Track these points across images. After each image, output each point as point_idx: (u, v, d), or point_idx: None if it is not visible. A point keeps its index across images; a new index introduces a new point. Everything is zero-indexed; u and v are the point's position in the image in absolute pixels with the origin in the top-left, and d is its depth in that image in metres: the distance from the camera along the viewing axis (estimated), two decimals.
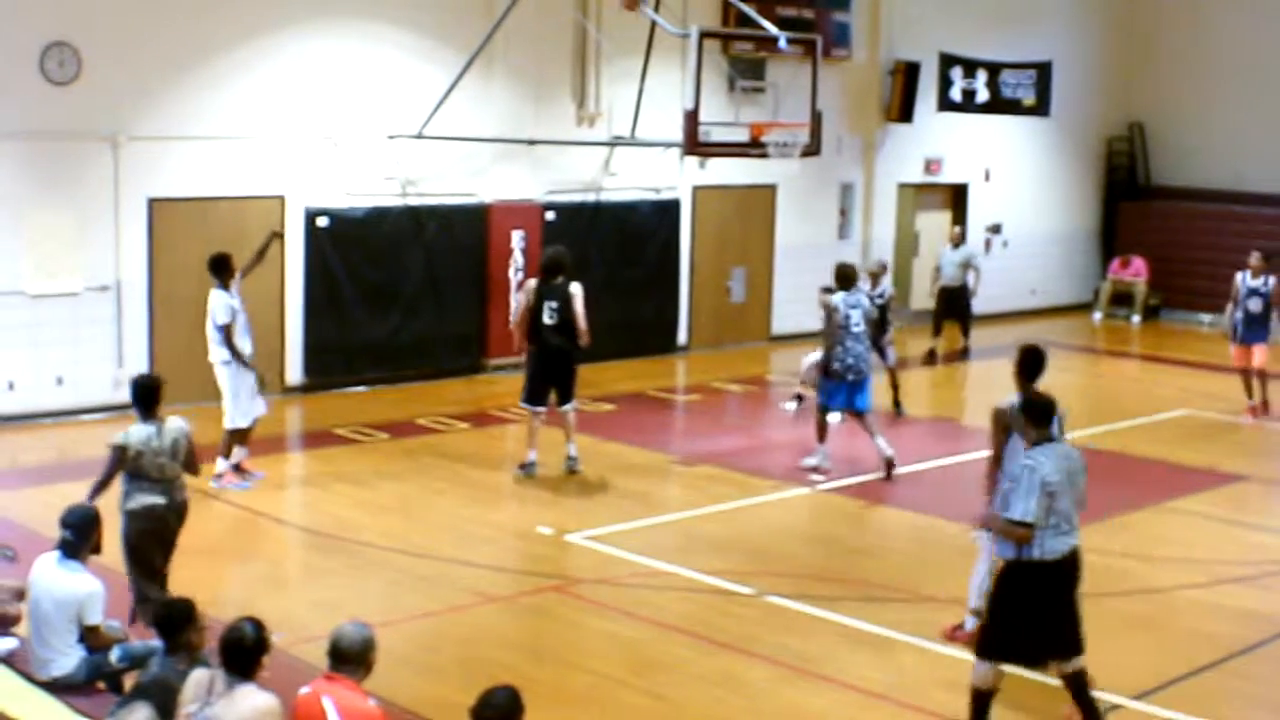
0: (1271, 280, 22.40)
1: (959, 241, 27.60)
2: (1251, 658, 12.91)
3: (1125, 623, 13.60)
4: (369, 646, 8.12)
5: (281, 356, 22.33)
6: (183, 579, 13.13)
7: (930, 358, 26.84)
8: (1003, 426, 12.09)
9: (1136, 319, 33.20)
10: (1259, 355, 22.37)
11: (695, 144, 20.59)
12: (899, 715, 11.38)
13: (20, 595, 10.80)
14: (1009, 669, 10.74)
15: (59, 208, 20.17)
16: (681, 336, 27.29)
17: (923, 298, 29.91)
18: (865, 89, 29.84)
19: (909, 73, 29.98)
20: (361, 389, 22.97)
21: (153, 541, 11.86)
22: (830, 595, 13.91)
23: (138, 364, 20.92)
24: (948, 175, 31.97)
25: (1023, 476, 10.32)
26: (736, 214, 27.96)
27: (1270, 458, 20.75)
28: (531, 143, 24.09)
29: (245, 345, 17.49)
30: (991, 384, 23.35)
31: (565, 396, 18.42)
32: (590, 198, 25.60)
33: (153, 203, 20.98)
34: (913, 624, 13.16)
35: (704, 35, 20.54)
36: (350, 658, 8.07)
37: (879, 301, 21.54)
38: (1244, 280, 22.49)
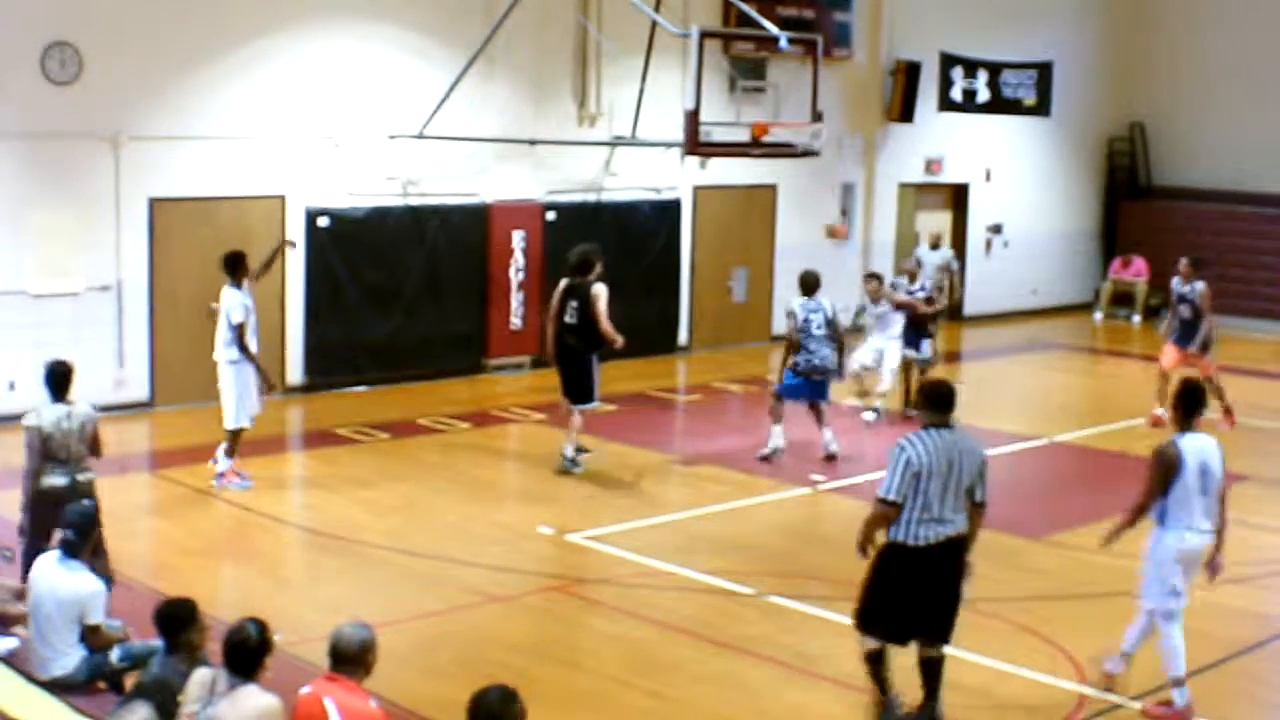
0: (1199, 286, 22.17)
1: (936, 243, 27.47)
2: (1252, 657, 12.92)
3: (1125, 622, 13.57)
4: (367, 647, 8.11)
5: (282, 356, 22.33)
6: (183, 579, 13.17)
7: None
8: (1166, 467, 11.61)
9: (1137, 319, 33.19)
10: (1188, 361, 21.58)
11: (696, 144, 20.58)
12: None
13: (20, 595, 10.81)
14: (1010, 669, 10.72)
15: (60, 207, 20.18)
16: (682, 336, 27.30)
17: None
18: (866, 89, 29.85)
19: (910, 73, 29.99)
20: (363, 389, 22.98)
21: (51, 520, 11.64)
22: (831, 595, 13.89)
23: (139, 364, 20.97)
24: (948, 175, 31.98)
25: (892, 456, 10.56)
26: (737, 214, 27.97)
27: (1270, 458, 20.72)
28: (532, 143, 24.09)
29: (252, 345, 17.44)
30: (988, 384, 23.40)
31: (572, 397, 18.49)
32: (591, 198, 25.60)
33: (154, 202, 20.99)
34: None
35: (705, 35, 20.54)
36: (349, 658, 8.07)
37: (920, 296, 22.15)
38: (1176, 286, 22.31)
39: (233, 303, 17.27)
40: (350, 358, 23.03)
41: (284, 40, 21.94)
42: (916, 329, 21.91)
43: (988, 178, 32.75)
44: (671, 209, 26.78)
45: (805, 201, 28.88)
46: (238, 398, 17.27)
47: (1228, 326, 31.73)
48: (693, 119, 20.06)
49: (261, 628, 8.22)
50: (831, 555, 15.40)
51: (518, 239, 24.45)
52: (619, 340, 18.37)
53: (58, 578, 10.06)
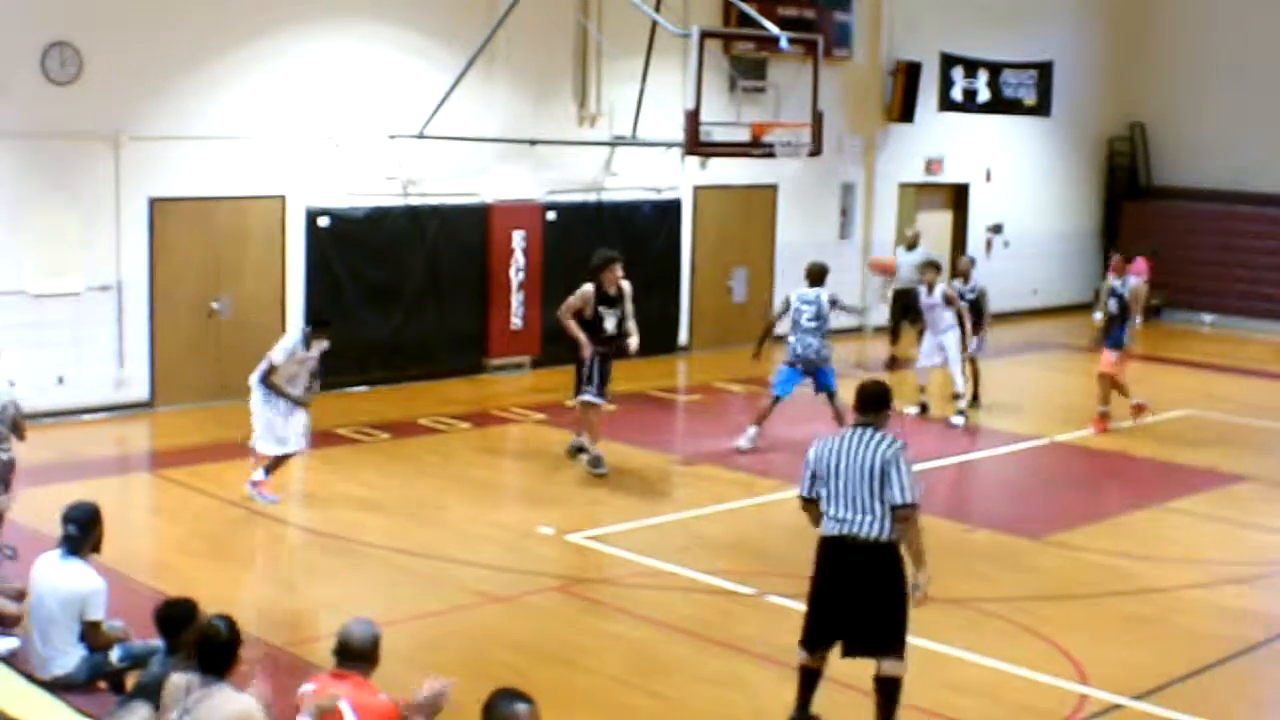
0: (1132, 280, 22.07)
1: (914, 243, 27.41)
2: (1252, 658, 12.91)
3: (1126, 623, 13.61)
4: (377, 644, 8.12)
5: None
6: (184, 579, 13.17)
7: (892, 363, 26.78)
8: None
9: (1138, 319, 33.13)
10: (1106, 361, 21.67)
11: (696, 144, 20.60)
12: (899, 715, 11.36)
13: (20, 595, 10.80)
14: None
15: (60, 207, 20.18)
16: (683, 336, 27.30)
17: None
18: (866, 89, 29.87)
19: (910, 73, 30.00)
20: (363, 389, 22.97)
21: None
22: None
23: (139, 364, 20.97)
24: (949, 175, 31.99)
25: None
26: (738, 214, 27.97)
27: (1271, 458, 20.73)
28: (533, 143, 24.08)
29: (297, 388, 16.81)
30: (988, 383, 23.40)
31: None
32: (591, 198, 25.60)
33: (154, 202, 20.99)
34: (912, 624, 13.12)
35: (705, 35, 20.54)
36: (359, 655, 8.07)
37: (970, 296, 22.49)
38: (1110, 281, 22.24)
39: (285, 344, 16.83)
40: (351, 358, 22.96)
41: (284, 40, 21.94)
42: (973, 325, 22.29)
43: (988, 178, 32.75)
44: (672, 209, 26.78)
45: (806, 202, 28.89)
46: (265, 426, 16.62)
47: (1229, 326, 31.82)
48: (693, 119, 20.07)
49: (230, 624, 8.19)
50: None
51: (518, 239, 24.44)
52: (578, 337, 18.12)
53: (58, 575, 10.05)
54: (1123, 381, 21.54)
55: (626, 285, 18.52)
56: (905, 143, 30.72)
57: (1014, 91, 32.62)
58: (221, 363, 21.70)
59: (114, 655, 10.11)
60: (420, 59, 23.13)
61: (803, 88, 21.25)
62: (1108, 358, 21.67)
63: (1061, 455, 20.43)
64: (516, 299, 24.50)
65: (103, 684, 10.14)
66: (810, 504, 10.55)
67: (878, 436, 10.35)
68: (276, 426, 16.63)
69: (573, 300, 18.17)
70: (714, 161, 26.02)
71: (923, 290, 22.24)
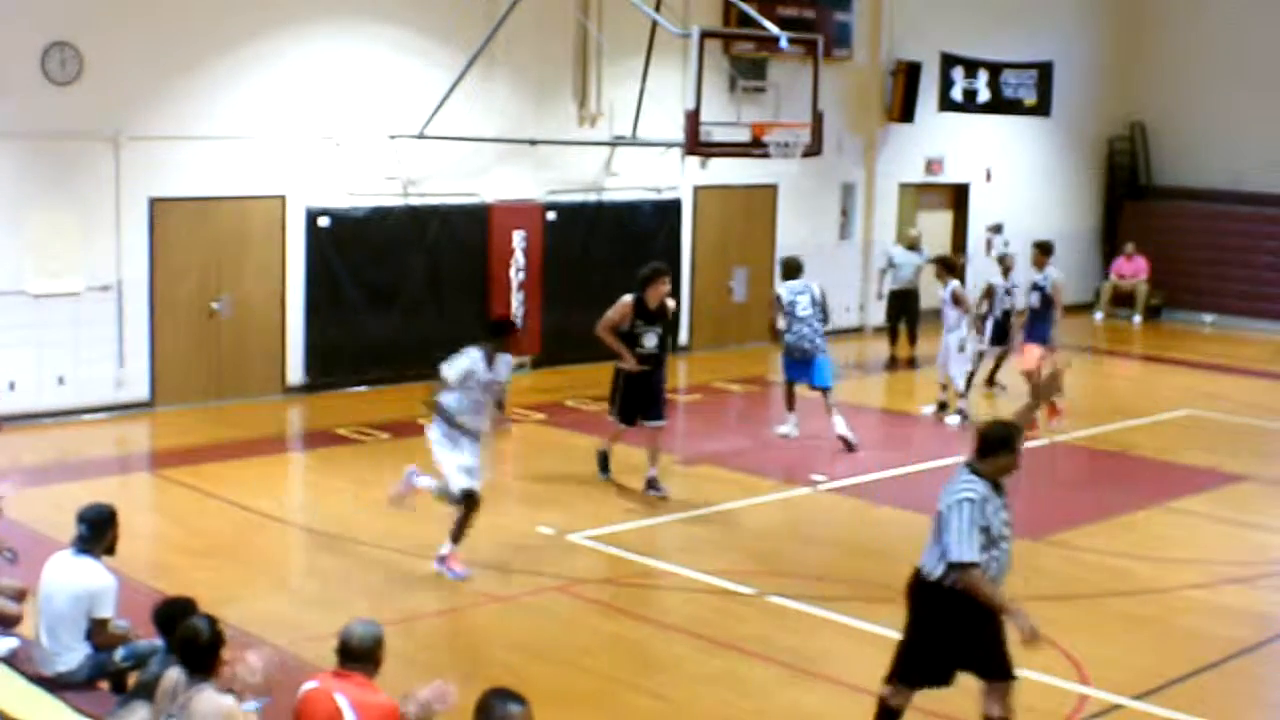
0: (1051, 273, 21.97)
1: (914, 244, 27.37)
2: (1253, 658, 12.91)
3: (1127, 623, 13.61)
4: (380, 644, 8.12)
5: (283, 356, 22.37)
6: (185, 578, 13.16)
7: (891, 364, 26.76)
8: None
9: (1137, 319, 33.18)
10: (1030, 357, 21.48)
11: (696, 144, 20.61)
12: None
13: (21, 595, 10.82)
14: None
15: (60, 208, 20.18)
16: (683, 337, 27.28)
17: (923, 297, 29.97)
18: (866, 89, 29.86)
19: (910, 73, 30.00)
20: (363, 389, 22.98)
21: None
22: (832, 595, 13.91)
23: (139, 364, 20.97)
24: (949, 175, 31.98)
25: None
26: (738, 214, 27.97)
27: (1272, 458, 20.73)
28: (533, 143, 24.08)
29: (473, 419, 14.50)
30: (986, 383, 23.43)
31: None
32: (592, 198, 25.60)
33: (154, 202, 20.99)
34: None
35: (705, 35, 20.55)
36: (361, 655, 8.07)
37: (1011, 292, 22.80)
38: (1031, 274, 22.16)
39: (460, 365, 14.40)
40: (350, 358, 23.02)
41: (284, 40, 21.94)
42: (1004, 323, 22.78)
43: (988, 178, 32.74)
44: (672, 209, 26.77)
45: (806, 202, 28.88)
46: (453, 465, 14.42)
47: (1229, 326, 31.82)
48: (693, 119, 20.08)
49: (212, 624, 8.19)
50: (832, 555, 15.41)
51: (518, 239, 24.44)
52: (620, 352, 17.42)
53: (70, 572, 10.05)
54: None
55: (671, 303, 17.79)
56: (905, 143, 30.71)
57: (1014, 91, 32.61)
58: (222, 363, 21.75)
59: (118, 654, 10.12)
60: (420, 59, 23.12)
61: (803, 88, 21.26)
62: (1031, 353, 21.52)
63: (1061, 455, 20.42)
64: (517, 299, 24.50)
65: (104, 683, 10.15)
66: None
67: (961, 480, 9.77)
68: (463, 462, 14.37)
69: (611, 314, 17.44)
70: (714, 161, 26.00)
71: (940, 287, 22.29)
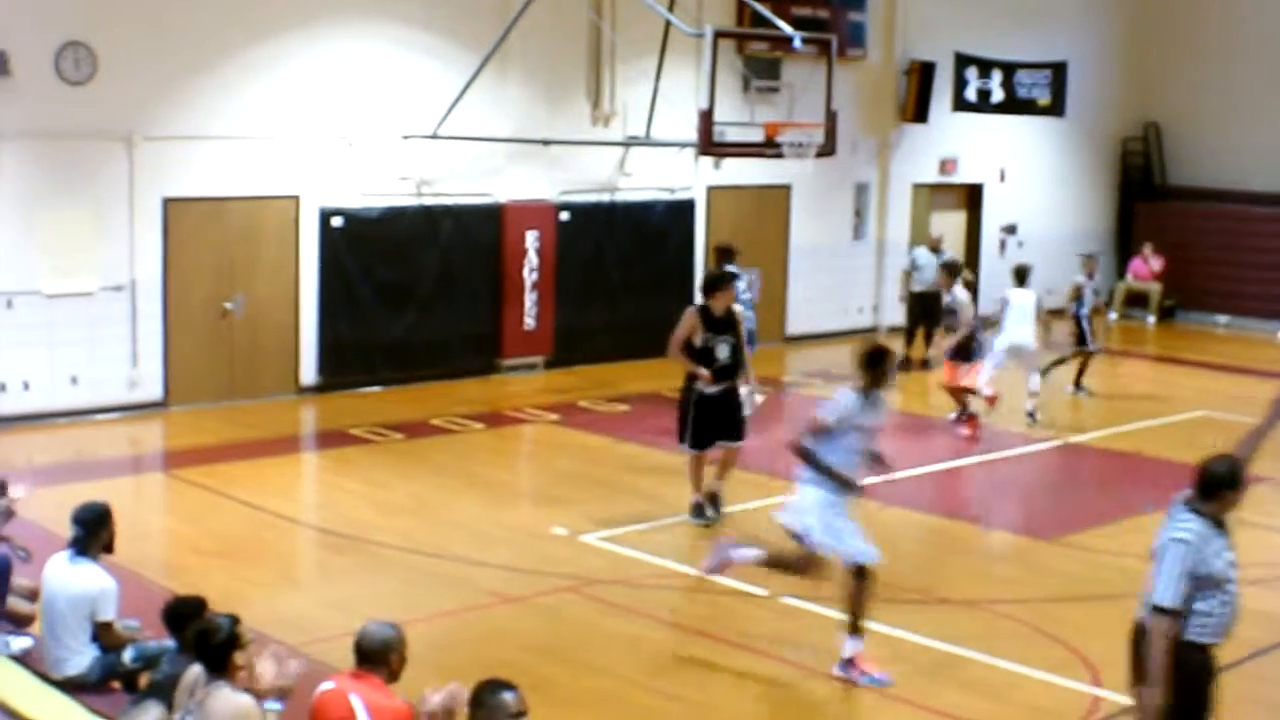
0: (958, 294, 21.58)
1: (937, 246, 27.24)
2: (1267, 660, 12.87)
3: None
4: (389, 646, 8.08)
5: (296, 356, 22.38)
6: (197, 579, 13.17)
7: (906, 365, 26.67)
8: None
9: (1151, 320, 33.13)
10: (958, 374, 21.30)
11: (710, 144, 20.60)
12: (913, 715, 11.36)
13: (33, 594, 10.82)
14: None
15: (74, 207, 20.20)
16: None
17: None
18: (880, 89, 29.82)
19: (924, 73, 29.96)
20: (376, 389, 22.99)
21: None
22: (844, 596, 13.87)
23: (152, 363, 20.99)
24: (963, 175, 31.94)
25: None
26: (751, 214, 27.94)
27: None
28: (546, 143, 24.07)
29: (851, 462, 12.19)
30: (1001, 385, 23.35)
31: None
32: (605, 198, 25.60)
33: (168, 202, 21.01)
34: (926, 625, 13.14)
35: (719, 35, 20.56)
36: (371, 656, 8.06)
37: (1099, 291, 22.33)
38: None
39: (841, 404, 12.12)
40: (364, 358, 23.03)
41: (298, 40, 21.95)
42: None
43: (1002, 178, 32.70)
44: (685, 209, 26.75)
45: (820, 202, 28.85)
46: (824, 525, 12.06)
47: (1243, 327, 31.75)
48: (706, 119, 20.07)
49: (233, 621, 8.18)
50: None
51: (531, 239, 24.44)
52: (695, 371, 15.92)
53: (68, 576, 10.05)
54: (959, 389, 21.39)
55: (738, 309, 16.37)
56: (919, 143, 30.67)
57: (1028, 92, 32.55)
58: (235, 363, 21.76)
59: (127, 655, 10.11)
60: (434, 59, 23.13)
61: (817, 88, 21.24)
62: (961, 368, 21.41)
63: (1076, 456, 20.39)
64: (530, 299, 24.49)
65: (116, 684, 10.15)
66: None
67: (1177, 519, 9.46)
68: (841, 529, 12.09)
69: (678, 331, 15.81)
70: (728, 161, 25.99)
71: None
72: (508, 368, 24.57)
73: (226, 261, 21.67)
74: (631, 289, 25.45)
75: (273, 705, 8.08)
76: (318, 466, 19.73)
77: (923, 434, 21.75)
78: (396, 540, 15.40)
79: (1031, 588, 14.42)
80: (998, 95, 31.98)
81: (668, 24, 22.21)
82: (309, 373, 22.61)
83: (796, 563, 12.21)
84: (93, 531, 10.17)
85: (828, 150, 21.17)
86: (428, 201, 23.52)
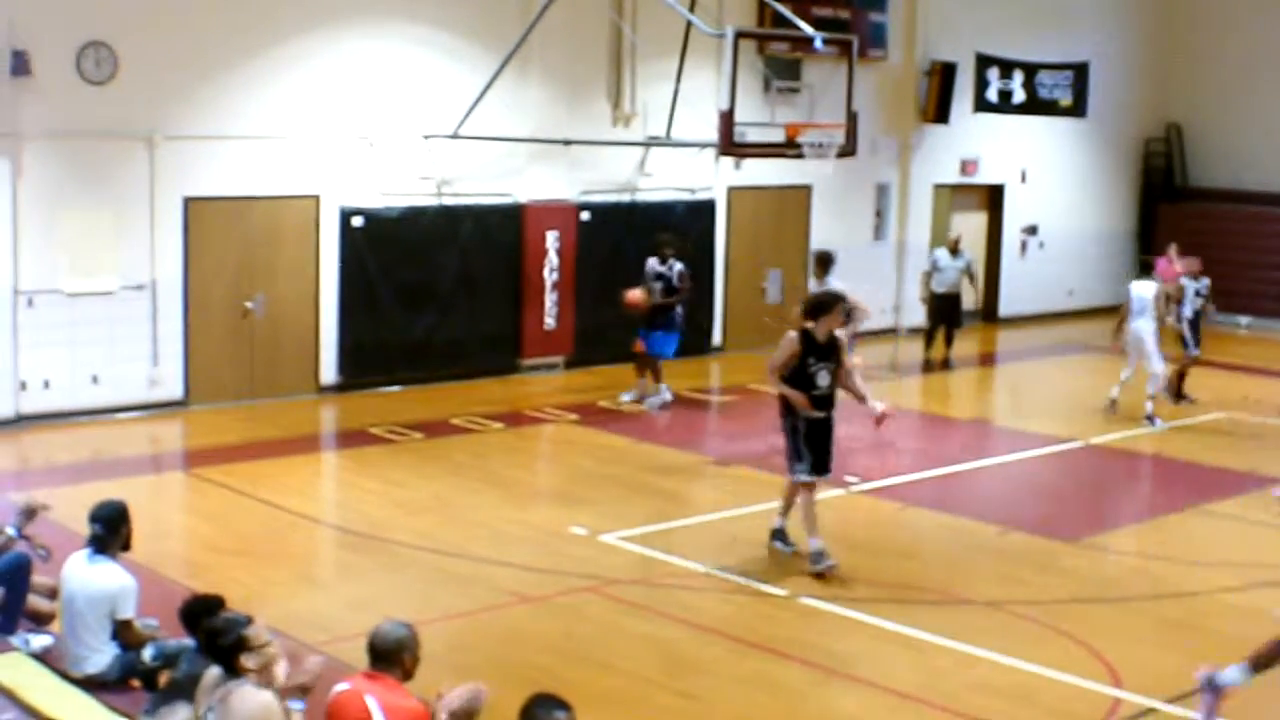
0: (832, 284, 21.11)
1: (956, 247, 27.11)
2: None
3: (1160, 626, 13.54)
4: (403, 645, 8.05)
5: (316, 356, 22.40)
6: (218, 577, 13.18)
7: (926, 367, 26.61)
8: None
9: (1170, 321, 32.94)
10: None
11: (730, 144, 20.59)
12: (932, 717, 11.34)
13: (53, 593, 10.83)
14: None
15: (95, 207, 20.23)
16: (716, 337, 27.25)
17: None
18: (901, 89, 29.79)
19: (945, 73, 29.91)
20: (396, 388, 23.00)
21: None
22: (864, 597, 13.86)
23: (173, 363, 21.02)
24: (984, 176, 31.89)
25: None
26: (772, 215, 27.93)
27: None
28: (567, 143, 24.07)
29: None
30: (1022, 386, 23.37)
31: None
32: (625, 198, 25.59)
33: (188, 202, 21.04)
34: (946, 626, 13.11)
35: (739, 35, 20.52)
36: (385, 655, 8.03)
37: (1203, 293, 23.25)
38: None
39: None
40: (384, 357, 23.04)
41: (319, 40, 21.97)
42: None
43: (1023, 179, 32.65)
44: (706, 209, 26.75)
45: (840, 202, 28.81)
46: None
47: (1266, 328, 31.66)
48: (727, 119, 20.06)
49: (246, 620, 8.17)
50: (865, 557, 15.33)
51: (552, 239, 24.44)
52: (796, 401, 14.61)
53: (86, 574, 10.06)
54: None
55: (841, 334, 15.14)
56: (940, 143, 30.63)
57: (1049, 92, 32.50)
58: (255, 362, 21.79)
59: (146, 654, 10.10)
60: (454, 59, 23.15)
61: (837, 88, 21.22)
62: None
63: (1096, 457, 20.34)
64: (550, 299, 24.50)
65: (135, 682, 10.15)
66: None
67: None
68: None
69: (779, 356, 14.61)
70: (748, 162, 25.96)
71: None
72: (528, 367, 24.58)
73: (247, 261, 21.70)
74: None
75: (295, 704, 8.08)
76: (337, 466, 19.74)
77: (945, 434, 21.73)
78: (416, 539, 15.40)
79: (1052, 589, 14.39)
80: (1019, 96, 31.93)
81: (688, 24, 22.19)
82: (329, 372, 22.63)
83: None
84: (111, 530, 10.17)
85: (848, 151, 21.15)
86: (448, 201, 23.53)
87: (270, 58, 21.54)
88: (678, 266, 21.73)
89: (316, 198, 22.23)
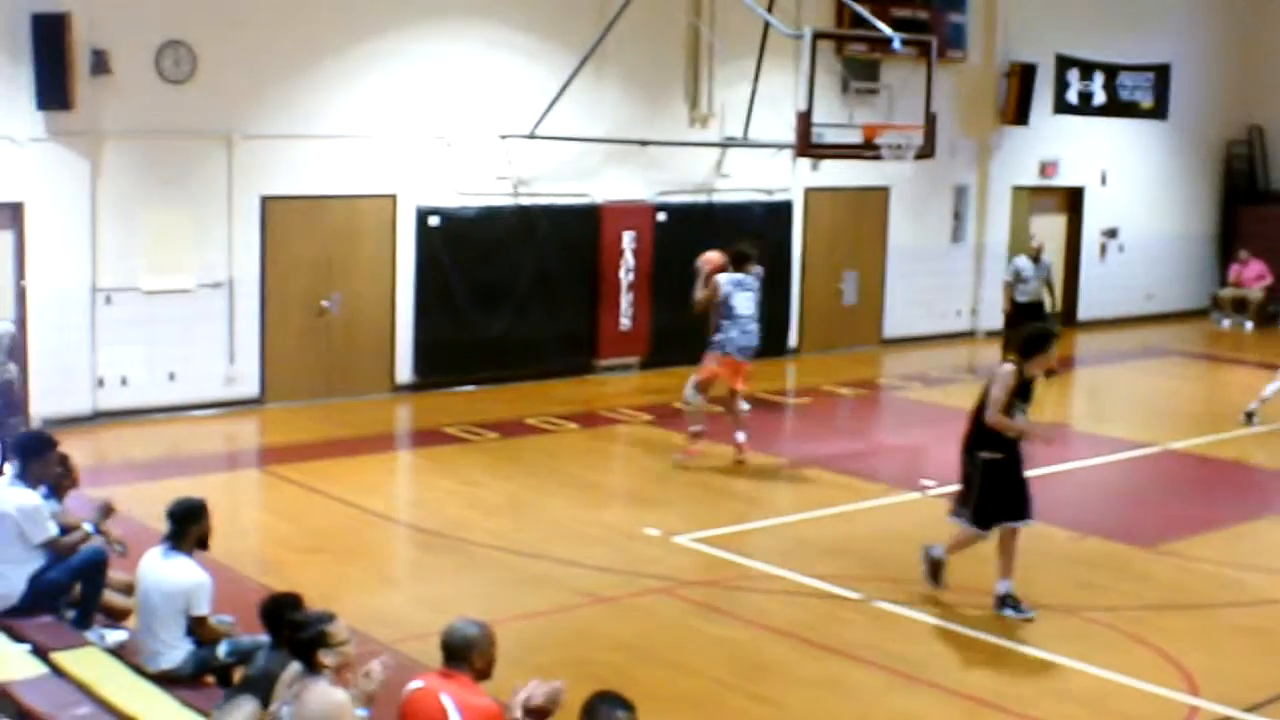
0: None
1: (1038, 254, 26.45)
2: None
3: (1239, 634, 13.40)
4: (472, 644, 8.03)
5: (392, 355, 22.46)
6: (293, 575, 13.22)
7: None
8: None
9: (1249, 325, 32.70)
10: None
11: (808, 146, 20.53)
12: None
13: (129, 589, 10.90)
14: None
15: (173, 205, 20.35)
16: (792, 339, 27.17)
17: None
18: (980, 91, 29.61)
19: (1025, 74, 29.72)
20: (471, 388, 23.04)
21: None
22: (939, 601, 13.77)
23: (250, 360, 21.13)
24: (1063, 178, 31.67)
25: None
26: (849, 216, 27.83)
27: None
28: (643, 143, 24.06)
29: None
30: (1102, 390, 23.19)
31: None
32: (702, 199, 25.55)
33: (266, 201, 21.13)
34: (1021, 631, 13.02)
35: (817, 36, 20.48)
36: (456, 654, 8.03)
37: None
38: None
39: None
40: (459, 357, 23.09)
41: (396, 40, 22.02)
42: None
43: (1103, 181, 32.41)
44: (782, 211, 26.68)
45: (918, 204, 28.68)
46: None
47: None
48: (804, 120, 19.99)
49: (330, 617, 8.23)
50: None
51: (628, 240, 24.44)
52: (1025, 434, 13.56)
53: (161, 571, 10.11)
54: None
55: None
56: (1019, 145, 30.43)
57: (1130, 94, 32.26)
58: (331, 360, 21.87)
59: (221, 650, 10.16)
60: (531, 60, 23.16)
61: (916, 89, 21.11)
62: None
63: (1176, 463, 20.17)
64: (626, 300, 24.49)
65: (210, 679, 10.20)
66: None
67: None
68: None
69: (999, 394, 13.15)
70: (825, 163, 25.90)
71: None
72: (603, 368, 24.57)
73: (324, 260, 21.78)
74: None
75: (360, 711, 8.10)
76: (412, 465, 19.79)
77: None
78: (490, 539, 15.42)
79: (1128, 595, 14.27)
80: (1099, 97, 31.71)
81: (766, 25, 22.15)
82: (404, 371, 22.69)
83: None
84: (187, 527, 10.22)
85: (927, 152, 21.05)
86: (524, 201, 23.56)
87: (348, 57, 21.62)
88: (758, 270, 21.44)
89: (393, 197, 22.29)
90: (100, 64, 19.42)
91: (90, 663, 9.86)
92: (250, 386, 21.30)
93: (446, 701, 7.81)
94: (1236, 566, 15.31)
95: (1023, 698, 11.62)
